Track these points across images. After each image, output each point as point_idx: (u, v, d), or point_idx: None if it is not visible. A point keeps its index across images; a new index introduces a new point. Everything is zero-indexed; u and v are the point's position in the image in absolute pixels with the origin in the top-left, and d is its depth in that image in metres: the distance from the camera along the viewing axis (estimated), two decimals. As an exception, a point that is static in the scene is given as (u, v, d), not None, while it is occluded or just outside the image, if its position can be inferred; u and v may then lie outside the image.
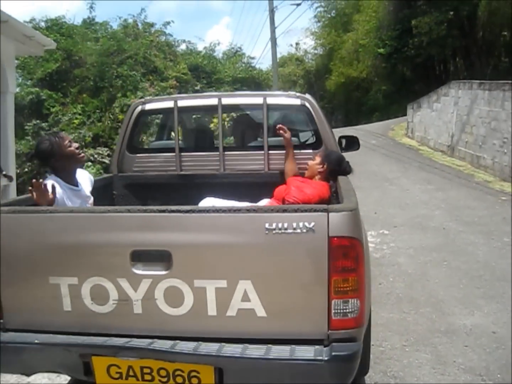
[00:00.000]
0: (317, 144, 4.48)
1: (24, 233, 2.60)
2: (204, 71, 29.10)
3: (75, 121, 22.36)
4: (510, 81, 11.68)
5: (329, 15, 42.29)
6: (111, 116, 24.77)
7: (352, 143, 5.14)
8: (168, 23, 30.08)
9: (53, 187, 3.02)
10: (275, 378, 2.40)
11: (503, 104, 11.51)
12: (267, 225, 2.33)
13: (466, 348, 4.25)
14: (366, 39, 32.49)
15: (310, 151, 4.40)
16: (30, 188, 2.88)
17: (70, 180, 3.41)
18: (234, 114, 5.17)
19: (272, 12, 26.94)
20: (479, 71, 26.22)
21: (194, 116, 5.26)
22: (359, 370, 2.53)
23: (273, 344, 2.40)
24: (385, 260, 6.54)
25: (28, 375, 2.95)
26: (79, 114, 23.21)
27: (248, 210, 2.57)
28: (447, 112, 15.03)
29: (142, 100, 4.82)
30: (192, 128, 5.34)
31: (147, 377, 2.47)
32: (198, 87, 27.77)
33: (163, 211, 2.48)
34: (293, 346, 2.37)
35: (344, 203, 2.58)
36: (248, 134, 4.87)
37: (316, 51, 47.99)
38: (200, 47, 32.13)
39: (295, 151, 4.36)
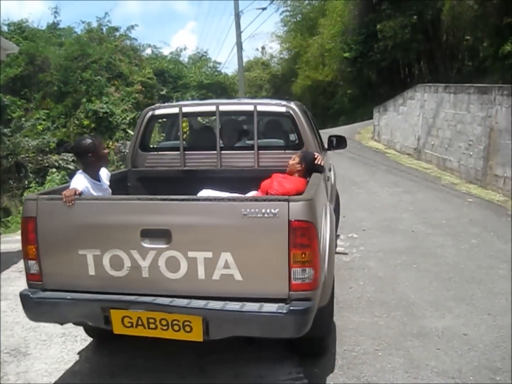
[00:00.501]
0: (299, 145, 5.14)
1: (59, 215, 3.43)
2: (170, 76, 28.91)
3: (39, 126, 21.98)
4: (475, 84, 11.85)
5: (295, 19, 42.53)
6: (76, 121, 24.47)
7: (340, 142, 6.37)
8: (132, 27, 29.88)
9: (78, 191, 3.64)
10: (248, 328, 3.21)
11: (468, 107, 11.66)
12: (243, 211, 3.14)
13: (438, 351, 4.24)
14: (332, 43, 32.72)
15: (293, 151, 5.02)
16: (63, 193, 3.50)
17: (95, 176, 4.16)
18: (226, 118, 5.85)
19: (237, 16, 26.93)
20: (443, 74, 26.59)
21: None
22: (326, 332, 3.99)
23: (247, 301, 3.19)
24: (355, 263, 6.51)
25: (62, 324, 4.04)
26: (43, 120, 22.85)
27: (229, 200, 3.35)
28: (413, 115, 15.18)
29: (153, 106, 5.57)
30: (194, 130, 6.23)
31: (152, 326, 3.30)
32: (163, 92, 27.62)
33: (165, 199, 3.32)
34: (262, 303, 3.18)
35: (303, 195, 3.36)
36: (241, 136, 5.72)
37: (282, 55, 48.25)
38: (165, 51, 31.93)
39: (280, 151, 5.21)
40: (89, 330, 4.42)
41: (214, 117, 5.44)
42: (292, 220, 3.09)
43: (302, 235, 3.12)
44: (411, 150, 15.42)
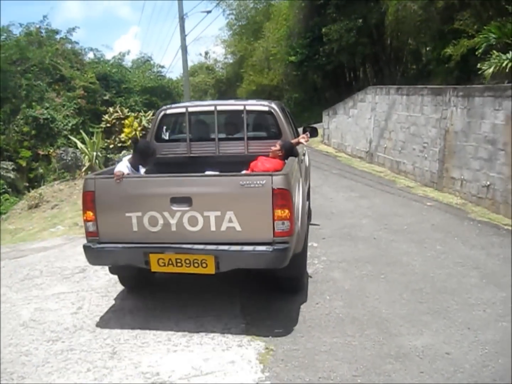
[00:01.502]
0: (278, 136, 6.40)
1: (111, 189, 4.79)
2: (113, 80, 28.13)
3: (-25, 134, 20.92)
4: (428, 86, 11.67)
5: (240, 23, 42.23)
6: (16, 128, 23.35)
7: (313, 131, 7.70)
8: (73, 29, 29.00)
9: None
10: (246, 262, 4.62)
11: (422, 109, 11.46)
12: (240, 182, 4.56)
13: (423, 375, 3.88)
14: (277, 47, 32.52)
15: (274, 140, 6.19)
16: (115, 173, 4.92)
17: (136, 168, 5.58)
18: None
19: (182, 19, 26.30)
20: (388, 77, 26.74)
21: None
22: (301, 273, 5.53)
23: (244, 245, 4.59)
24: (319, 276, 6.07)
25: (113, 266, 5.33)
26: (-20, 127, 21.75)
27: (231, 175, 4.78)
28: (365, 118, 14.92)
29: (164, 107, 6.95)
30: (197, 125, 7.09)
31: (179, 264, 4.70)
32: (107, 97, 26.79)
33: (187, 176, 4.81)
34: (255, 245, 4.57)
35: (281, 171, 4.81)
36: (234, 129, 6.83)
37: (226, 59, 47.87)
38: (108, 56, 31.06)
39: (265, 141, 6.43)
40: (123, 280, 5.82)
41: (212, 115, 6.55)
42: (274, 188, 4.50)
43: (281, 198, 4.52)
44: (362, 153, 15.16)
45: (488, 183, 8.96)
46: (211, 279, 5.09)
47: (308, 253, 6.77)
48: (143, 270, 4.98)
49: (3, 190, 19.07)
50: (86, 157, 15.95)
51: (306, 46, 28.97)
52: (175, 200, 4.64)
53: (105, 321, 5.07)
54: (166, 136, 7.28)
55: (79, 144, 16.54)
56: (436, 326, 4.64)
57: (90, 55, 30.39)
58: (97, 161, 15.97)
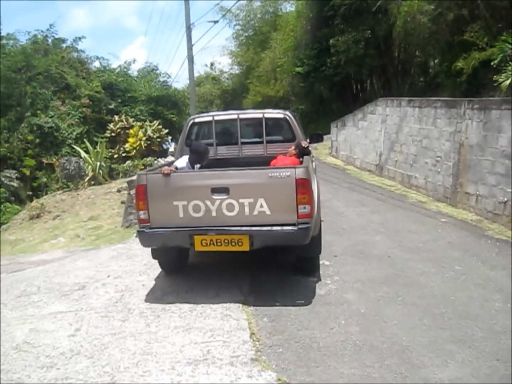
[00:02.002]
0: (293, 138, 7.58)
1: (161, 182, 5.66)
2: (119, 89, 27.85)
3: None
4: (441, 98, 11.34)
5: (247, 34, 42.07)
6: (20, 136, 23.08)
7: (318, 137, 8.62)
8: (80, 38, 28.73)
9: (176, 167, 6.19)
10: (275, 240, 5.54)
11: (435, 122, 11.13)
12: (269, 174, 5.47)
13: (453, 415, 3.48)
14: (284, 58, 32.30)
15: (289, 143, 7.45)
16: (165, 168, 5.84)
17: (192, 166, 6.60)
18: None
19: (189, 29, 26.10)
20: (396, 90, 26.46)
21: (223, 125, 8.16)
22: (317, 254, 6.43)
23: (273, 226, 5.46)
24: (332, 297, 5.72)
25: (163, 247, 6.09)
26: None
27: (262, 169, 5.74)
28: (375, 130, 14.59)
29: (193, 116, 8.32)
30: (222, 131, 8.02)
31: (219, 244, 5.56)
32: (112, 106, 26.51)
33: (225, 170, 5.79)
34: (282, 226, 5.45)
35: (301, 165, 5.74)
36: (254, 134, 7.97)
37: (232, 70, 47.66)
38: (114, 65, 30.80)
39: (281, 144, 7.65)
40: (163, 265, 6.76)
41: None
42: (297, 178, 5.38)
43: (303, 187, 5.39)
44: (372, 166, 14.82)
45: (505, 199, 8.60)
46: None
47: (320, 272, 6.48)
48: (179, 256, 6.64)
49: (4, 199, 18.78)
50: (90, 166, 15.68)
51: (313, 57, 28.74)
52: (215, 190, 5.57)
53: (104, 346, 4.69)
54: (194, 145, 7.57)
55: (83, 154, 16.28)
56: (462, 357, 4.28)
57: (96, 63, 30.14)
58: (100, 171, 15.70)
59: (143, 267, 7.07)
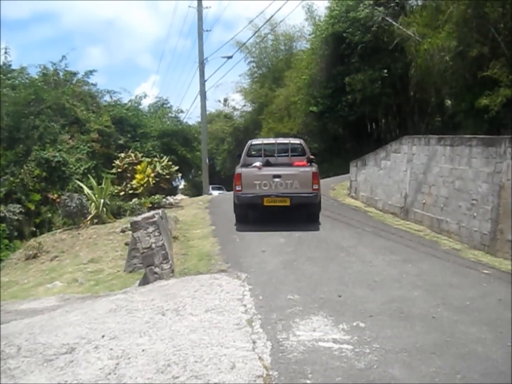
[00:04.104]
0: (304, 153, 13.61)
1: (248, 172, 12.32)
2: (129, 124, 27.18)
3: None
4: (478, 136, 10.38)
5: (260, 71, 41.73)
6: (27, 170, 22.25)
7: (313, 160, 13.58)
8: (91, 72, 28.21)
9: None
10: (301, 200, 12.02)
11: (470, 161, 10.16)
12: (300, 169, 12.39)
13: None
14: (298, 96, 31.66)
15: (303, 156, 13.44)
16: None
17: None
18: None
19: (202, 64, 25.54)
20: (412, 129, 25.78)
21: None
22: (319, 210, 12.97)
23: (301, 193, 11.99)
24: (374, 373, 4.62)
25: (247, 204, 12.30)
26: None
27: (294, 167, 12.63)
28: (399, 170, 13.55)
29: (250, 141, 14.56)
30: (267, 149, 13.99)
31: (275, 201, 12.00)
32: (121, 141, 25.76)
33: (279, 166, 12.95)
34: (305, 194, 11.99)
35: (313, 167, 12.61)
36: (283, 151, 13.89)
37: (245, 107, 47.08)
38: (125, 99, 30.15)
39: (298, 156, 13.62)
40: (239, 217, 12.71)
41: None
42: (313, 172, 12.07)
43: (315, 176, 12.00)
44: (396, 209, 13.74)
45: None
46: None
47: (355, 337, 5.44)
48: (247, 213, 12.67)
49: (5, 235, 17.89)
50: (93, 204, 14.74)
51: (328, 97, 28.23)
52: (274, 176, 11.79)
53: None
54: (252, 155, 13.79)
55: (86, 190, 15.35)
56: None
57: (107, 97, 29.56)
58: (104, 209, 14.74)
59: (144, 325, 5.93)
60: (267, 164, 12.96)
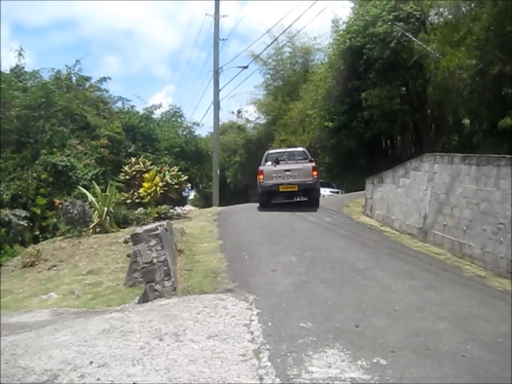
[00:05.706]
0: (307, 158, 18.85)
1: (268, 169, 17.60)
2: (140, 133, 26.60)
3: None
4: (507, 156, 9.70)
5: (276, 84, 41.37)
6: (34, 174, 21.79)
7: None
8: (105, 79, 27.74)
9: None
10: (305, 186, 17.23)
11: (498, 183, 9.49)
12: (305, 164, 17.90)
13: None
14: (313, 110, 31.20)
15: (306, 159, 18.78)
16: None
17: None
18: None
19: (216, 73, 25.09)
20: (428, 147, 25.07)
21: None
22: (318, 196, 19.15)
23: (305, 181, 17.16)
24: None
25: (267, 190, 17.51)
26: (-2, 170, 20.59)
27: (301, 163, 18.35)
28: (419, 189, 12.84)
29: (267, 150, 21.00)
30: (279, 155, 19.14)
31: (287, 188, 17.30)
32: (131, 150, 25.19)
33: (290, 164, 18.51)
34: (309, 181, 17.16)
35: (313, 163, 18.15)
36: (292, 156, 19.59)
37: (259, 119, 46.60)
38: (139, 107, 29.53)
39: (303, 159, 18.89)
40: (262, 204, 17.97)
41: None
42: (312, 166, 17.46)
43: (314, 169, 17.35)
44: (414, 229, 13.01)
45: None
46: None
47: (376, 377, 4.76)
48: (269, 200, 18.05)
49: (8, 240, 17.37)
50: (96, 212, 14.16)
51: (344, 113, 27.81)
52: (286, 170, 17.01)
53: None
54: (269, 160, 18.28)
55: (90, 197, 14.78)
56: None
57: (119, 104, 29.03)
58: (108, 217, 14.14)
59: (138, 351, 5.29)
60: (278, 163, 18.08)
